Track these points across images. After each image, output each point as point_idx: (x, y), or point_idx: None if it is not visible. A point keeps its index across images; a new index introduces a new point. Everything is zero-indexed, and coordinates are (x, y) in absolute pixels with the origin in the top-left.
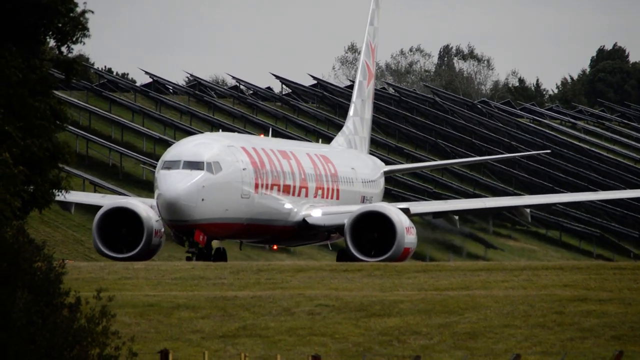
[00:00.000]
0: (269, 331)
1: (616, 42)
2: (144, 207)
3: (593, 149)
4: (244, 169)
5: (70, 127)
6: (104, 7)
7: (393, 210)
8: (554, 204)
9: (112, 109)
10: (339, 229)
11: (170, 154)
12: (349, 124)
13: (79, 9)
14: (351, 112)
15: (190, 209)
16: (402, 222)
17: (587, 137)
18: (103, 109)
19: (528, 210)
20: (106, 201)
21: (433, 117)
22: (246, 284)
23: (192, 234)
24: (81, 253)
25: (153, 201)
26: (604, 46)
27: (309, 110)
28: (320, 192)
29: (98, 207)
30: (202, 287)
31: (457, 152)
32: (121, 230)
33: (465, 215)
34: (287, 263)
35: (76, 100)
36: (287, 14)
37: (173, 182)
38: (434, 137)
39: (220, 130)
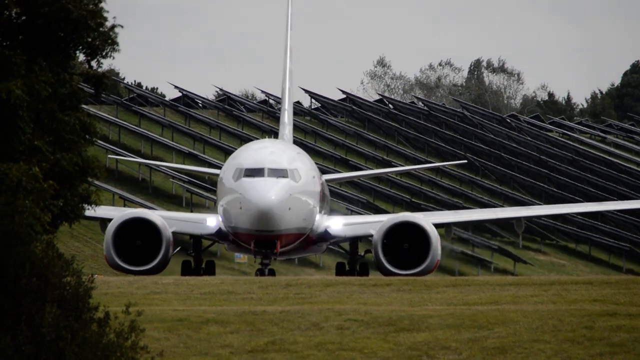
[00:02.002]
0: (297, 346)
1: None
2: (160, 218)
3: (623, 163)
4: (313, 177)
5: (99, 141)
6: (134, 21)
7: (425, 221)
8: (569, 214)
9: (142, 123)
10: (354, 240)
11: (249, 161)
12: (286, 132)
13: (108, 24)
14: (286, 119)
15: (279, 219)
16: (435, 233)
17: (617, 151)
18: (132, 124)
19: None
20: (116, 213)
21: (462, 131)
22: (275, 298)
23: (274, 245)
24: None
25: (163, 212)
26: (638, 61)
27: (338, 125)
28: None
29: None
30: (231, 301)
31: (487, 166)
32: (135, 241)
33: (480, 224)
34: (315, 277)
35: (106, 115)
36: (317, 28)
37: (264, 191)
38: (463, 151)
39: None
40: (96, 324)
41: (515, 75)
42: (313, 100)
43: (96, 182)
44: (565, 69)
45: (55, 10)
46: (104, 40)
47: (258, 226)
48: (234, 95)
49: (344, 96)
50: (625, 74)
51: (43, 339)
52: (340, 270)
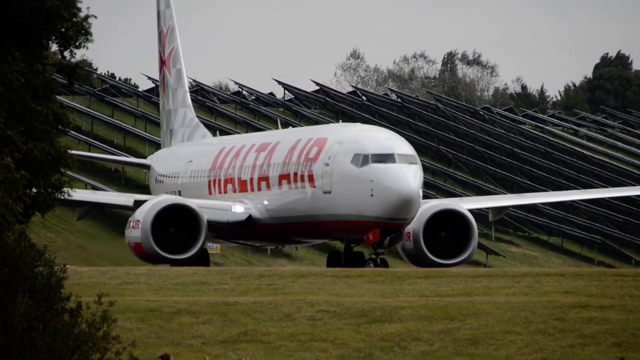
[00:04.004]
0: (270, 337)
1: (620, 50)
2: (196, 205)
3: (595, 156)
4: None
5: (72, 132)
6: (107, 12)
7: (464, 208)
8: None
9: (115, 114)
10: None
11: (374, 147)
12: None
13: (82, 14)
14: (189, 100)
15: (415, 206)
16: (474, 220)
17: (589, 144)
18: (105, 114)
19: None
20: (117, 197)
21: (435, 123)
22: (247, 289)
23: (401, 234)
24: (83, 258)
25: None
26: (607, 54)
27: (311, 116)
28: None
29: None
30: (204, 292)
31: (459, 158)
32: (169, 229)
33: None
34: (288, 268)
35: (79, 105)
36: (290, 20)
37: (404, 177)
38: (436, 143)
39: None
40: (68, 314)
41: (489, 68)
42: (287, 92)
43: (69, 173)
44: (540, 61)
45: (29, 0)
46: (77, 30)
47: (393, 214)
48: (207, 86)
49: (318, 88)
50: (596, 67)
51: (15, 329)
52: (333, 261)
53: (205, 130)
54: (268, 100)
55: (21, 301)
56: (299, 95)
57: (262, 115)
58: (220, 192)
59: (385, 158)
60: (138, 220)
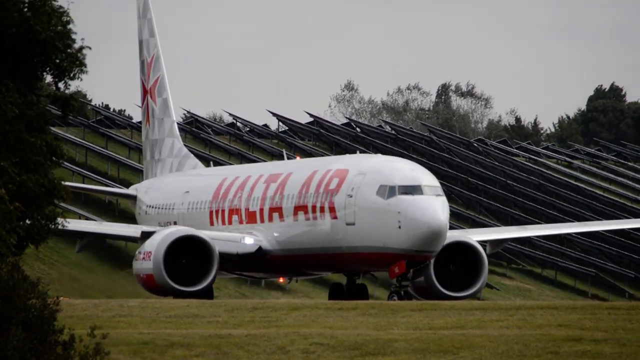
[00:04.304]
0: None
1: (613, 82)
2: (208, 236)
3: (589, 188)
4: None
5: (66, 163)
6: (102, 43)
7: (474, 240)
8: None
9: (109, 145)
10: None
11: (400, 178)
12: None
13: (77, 45)
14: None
15: (443, 239)
16: (484, 253)
17: (583, 177)
18: (99, 146)
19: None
20: (124, 229)
21: (429, 155)
22: (241, 322)
23: (427, 266)
24: (76, 290)
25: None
26: (601, 85)
27: (305, 148)
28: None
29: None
30: (197, 325)
31: (453, 190)
32: (179, 261)
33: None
34: (281, 301)
35: (73, 137)
36: (284, 52)
37: (433, 209)
38: None
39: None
40: (61, 347)
41: (483, 100)
42: (281, 124)
43: (62, 204)
44: (534, 93)
45: (23, 31)
46: (71, 61)
47: (421, 246)
48: (201, 117)
49: (312, 119)
50: (590, 99)
51: None
52: (335, 294)
53: (196, 161)
54: (262, 131)
55: (14, 334)
56: (293, 127)
57: (256, 147)
58: (224, 224)
59: (412, 190)
60: (149, 252)
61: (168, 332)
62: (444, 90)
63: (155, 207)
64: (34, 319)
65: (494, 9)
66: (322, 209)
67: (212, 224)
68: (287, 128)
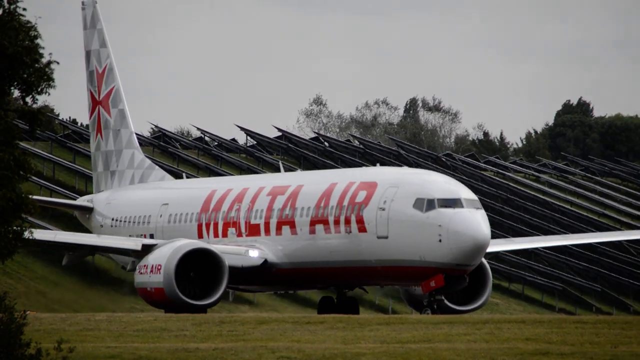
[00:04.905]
0: None
1: (581, 97)
2: (218, 249)
3: (557, 203)
4: None
5: (33, 177)
6: (69, 57)
7: None
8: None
9: (76, 159)
10: None
11: (439, 191)
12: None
13: (44, 60)
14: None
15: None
16: (489, 267)
17: (551, 191)
18: (67, 160)
19: None
20: (124, 242)
21: None
22: (208, 335)
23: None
24: (43, 305)
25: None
26: (569, 100)
27: (274, 162)
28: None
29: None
30: (164, 339)
31: None
32: (188, 274)
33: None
34: (249, 315)
35: (40, 151)
36: (252, 67)
37: (477, 222)
38: None
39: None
40: None
41: (451, 115)
42: (249, 138)
43: (30, 219)
44: (501, 108)
45: None
46: (39, 76)
47: (463, 260)
48: (170, 132)
49: (280, 134)
50: (558, 114)
51: None
52: (325, 307)
53: (163, 173)
54: (230, 146)
55: None
56: (261, 142)
57: (224, 161)
58: (216, 236)
59: (452, 203)
60: (159, 265)
61: (135, 346)
62: (412, 105)
63: (123, 220)
64: (0, 333)
65: (462, 25)
66: (347, 222)
67: (200, 236)
68: (255, 142)
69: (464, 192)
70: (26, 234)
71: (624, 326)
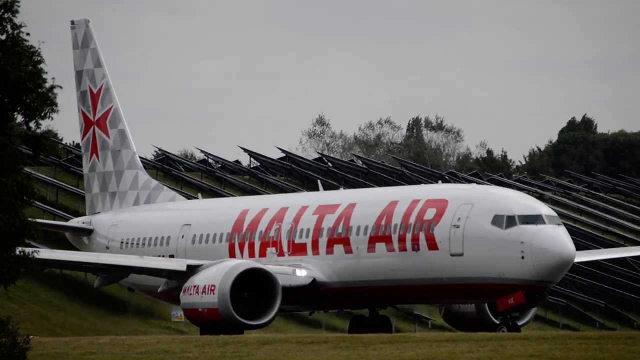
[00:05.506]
0: None
1: (585, 114)
2: (271, 269)
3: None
4: None
5: (37, 202)
6: (72, 82)
7: None
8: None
9: (80, 184)
10: None
11: (519, 208)
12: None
13: (47, 85)
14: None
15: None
16: None
17: (555, 208)
18: (71, 184)
19: None
20: (168, 263)
21: None
22: (212, 357)
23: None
24: (47, 329)
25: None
26: (574, 118)
27: (277, 183)
28: None
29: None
30: None
31: None
32: (242, 294)
33: None
34: (253, 336)
35: (44, 176)
36: (255, 88)
37: (561, 239)
38: None
39: None
40: None
41: (454, 133)
42: (252, 159)
43: (33, 244)
44: (504, 126)
45: None
46: (42, 101)
47: (547, 277)
48: (173, 154)
49: (283, 155)
50: (561, 131)
51: None
52: (357, 326)
53: (173, 193)
54: (234, 167)
55: None
56: (264, 163)
57: (228, 183)
58: (252, 256)
59: (534, 219)
60: (212, 285)
61: None
62: (415, 124)
63: (134, 242)
64: (3, 357)
65: (464, 43)
66: (414, 240)
67: (232, 256)
68: (258, 164)
69: (544, 209)
70: (30, 255)
71: (627, 341)
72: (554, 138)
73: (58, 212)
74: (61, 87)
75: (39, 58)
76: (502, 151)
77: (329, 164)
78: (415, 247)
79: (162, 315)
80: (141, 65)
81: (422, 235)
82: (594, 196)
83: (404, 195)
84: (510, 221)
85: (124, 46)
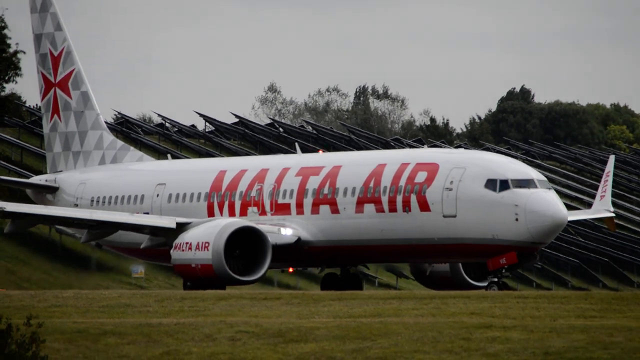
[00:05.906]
0: (191, 356)
1: (523, 85)
2: (262, 227)
3: None
4: None
5: (2, 161)
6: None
7: None
8: None
9: (43, 145)
10: None
11: (511, 172)
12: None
13: (11, 50)
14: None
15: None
16: None
17: None
18: (35, 145)
19: None
20: (158, 220)
21: None
22: (170, 311)
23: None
24: (13, 282)
25: None
26: (514, 88)
27: (231, 147)
28: None
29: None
30: (128, 314)
31: None
32: (234, 251)
33: None
34: (209, 292)
35: (8, 137)
36: (210, 56)
37: (554, 202)
38: None
39: None
40: None
41: (399, 101)
42: (207, 124)
43: None
44: (447, 95)
45: None
46: (6, 65)
47: (539, 238)
48: (132, 118)
49: (237, 120)
50: (501, 101)
51: None
52: (329, 283)
53: (141, 153)
54: (190, 132)
55: None
56: (219, 127)
57: (184, 147)
58: (232, 215)
59: (526, 183)
60: (206, 242)
61: (101, 322)
62: (362, 92)
63: (105, 200)
64: None
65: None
66: (405, 202)
67: (211, 215)
68: (213, 128)
69: (535, 173)
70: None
71: (562, 300)
72: (494, 107)
73: (23, 171)
74: (24, 52)
75: (3, 24)
76: (444, 119)
77: (280, 129)
78: (407, 208)
79: (123, 271)
80: (101, 33)
81: (413, 197)
82: (531, 163)
83: (392, 158)
84: (504, 185)
85: (78, 12)
